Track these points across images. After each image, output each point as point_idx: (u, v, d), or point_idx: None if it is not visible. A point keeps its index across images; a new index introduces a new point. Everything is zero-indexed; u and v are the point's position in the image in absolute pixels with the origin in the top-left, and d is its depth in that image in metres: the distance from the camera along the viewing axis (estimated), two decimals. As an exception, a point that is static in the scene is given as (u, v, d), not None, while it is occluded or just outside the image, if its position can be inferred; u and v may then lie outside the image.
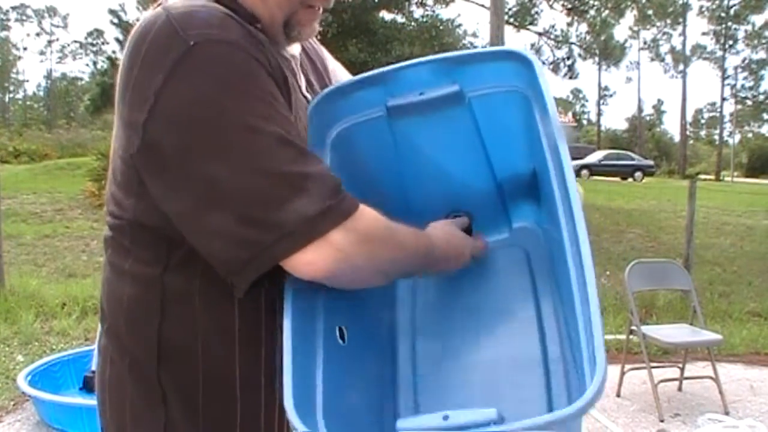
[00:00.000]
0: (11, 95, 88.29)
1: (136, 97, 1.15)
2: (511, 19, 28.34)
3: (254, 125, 1.10)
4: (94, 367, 5.17)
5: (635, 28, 67.87)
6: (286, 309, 1.19)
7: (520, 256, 1.48)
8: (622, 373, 6.00)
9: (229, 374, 1.26)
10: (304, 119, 1.33)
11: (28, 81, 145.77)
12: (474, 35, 38.35)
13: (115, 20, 25.94)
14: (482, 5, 25.15)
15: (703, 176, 46.08)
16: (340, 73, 1.61)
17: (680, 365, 6.20)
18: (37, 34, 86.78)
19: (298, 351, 1.16)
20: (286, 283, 1.20)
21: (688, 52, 66.64)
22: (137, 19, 1.24)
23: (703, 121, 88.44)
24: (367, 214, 1.16)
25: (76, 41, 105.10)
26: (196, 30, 1.12)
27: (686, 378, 6.19)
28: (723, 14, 61.66)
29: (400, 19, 22.60)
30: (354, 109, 1.32)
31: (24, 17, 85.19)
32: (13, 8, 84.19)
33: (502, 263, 1.50)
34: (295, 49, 1.42)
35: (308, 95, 1.40)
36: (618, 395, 5.98)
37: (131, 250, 1.27)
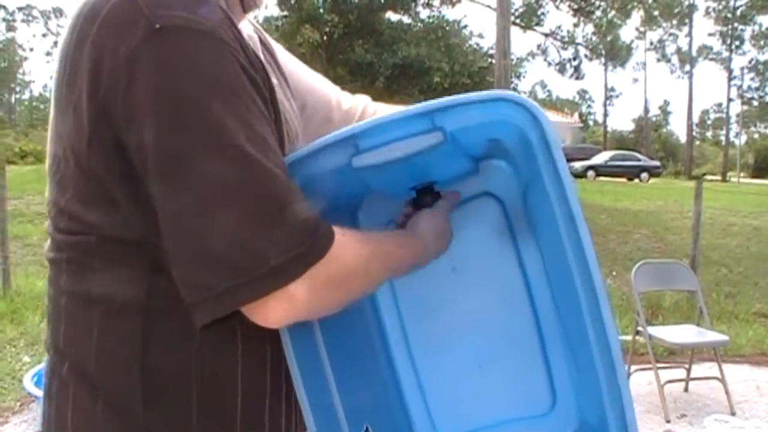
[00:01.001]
0: (17, 96, 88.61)
1: (85, 86, 0.97)
2: (518, 20, 28.32)
3: (220, 142, 0.93)
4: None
5: (641, 29, 67.87)
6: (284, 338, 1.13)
7: (494, 205, 1.40)
8: (628, 374, 5.97)
9: (228, 406, 1.10)
10: (283, 101, 1.20)
11: (34, 82, 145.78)
12: (480, 36, 38.30)
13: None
14: (489, 6, 25.14)
15: (709, 177, 45.99)
16: (289, 64, 1.45)
17: (686, 366, 6.20)
18: (44, 35, 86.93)
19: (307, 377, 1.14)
20: None
21: (694, 53, 66.53)
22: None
23: (709, 122, 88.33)
24: (339, 255, 1.01)
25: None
26: (165, 10, 0.94)
27: (692, 379, 6.17)
28: (729, 15, 61.60)
29: (406, 19, 22.63)
30: (316, 163, 1.15)
31: (30, 18, 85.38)
32: (20, 9, 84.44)
33: (477, 217, 1.40)
34: (248, 29, 1.27)
35: (274, 80, 1.20)
36: (624, 396, 5.96)
37: (100, 272, 1.06)
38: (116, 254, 1.05)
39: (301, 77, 1.47)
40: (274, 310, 0.97)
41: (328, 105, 1.48)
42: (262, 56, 1.20)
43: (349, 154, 1.13)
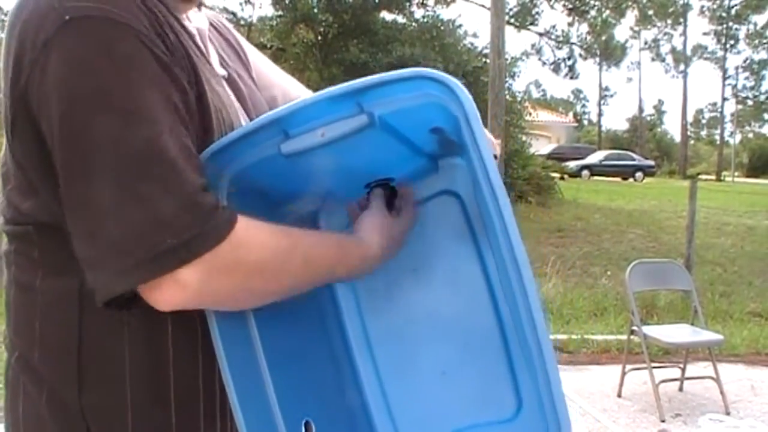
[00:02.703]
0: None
1: (9, 78, 1.02)
2: (512, 20, 28.36)
3: (121, 125, 0.95)
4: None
5: (636, 29, 67.86)
6: (213, 329, 1.09)
7: (455, 204, 1.36)
8: (623, 374, 6.00)
9: (163, 396, 1.10)
10: (221, 93, 1.18)
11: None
12: (474, 35, 38.36)
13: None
14: (483, 6, 25.17)
15: (703, 176, 46.06)
16: (260, 64, 1.47)
17: (681, 365, 6.21)
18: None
19: (238, 372, 1.09)
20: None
21: (688, 52, 66.59)
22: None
23: (703, 121, 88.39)
24: (242, 243, 0.99)
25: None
26: (75, 2, 0.97)
27: (687, 378, 6.19)
28: (724, 14, 61.64)
29: (401, 19, 22.60)
30: (247, 151, 1.13)
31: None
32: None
33: (437, 216, 1.36)
34: (201, 22, 1.25)
35: (222, 71, 1.25)
36: (619, 395, 5.98)
37: (40, 262, 1.10)
38: (52, 244, 1.08)
39: (272, 79, 1.49)
40: (164, 294, 0.97)
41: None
42: (202, 47, 1.21)
43: (277, 141, 1.11)
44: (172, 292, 0.96)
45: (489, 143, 1.08)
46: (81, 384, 1.08)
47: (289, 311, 1.19)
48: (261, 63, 1.49)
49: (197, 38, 1.20)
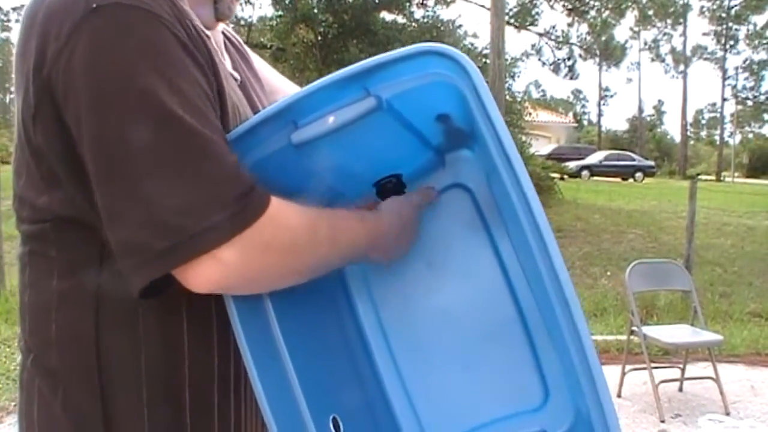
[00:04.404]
0: (12, 96, 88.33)
1: (32, 65, 1.01)
2: (512, 20, 28.36)
3: (152, 111, 0.95)
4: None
5: (636, 29, 67.79)
6: (234, 322, 1.09)
7: (464, 196, 1.36)
8: (623, 374, 6.00)
9: (179, 394, 1.11)
10: (236, 93, 1.20)
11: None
12: (474, 36, 38.38)
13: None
14: (483, 6, 25.18)
15: (703, 177, 45.90)
16: (264, 70, 1.49)
17: (681, 366, 6.21)
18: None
19: (263, 369, 1.08)
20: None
21: (688, 53, 66.51)
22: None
23: (703, 122, 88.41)
24: (276, 219, 1.01)
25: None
26: None
27: (687, 378, 6.19)
28: (724, 15, 61.58)
29: (400, 19, 22.60)
30: (257, 145, 1.12)
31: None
32: (14, 9, 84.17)
33: (448, 210, 1.36)
34: (216, 31, 1.28)
35: (235, 74, 1.27)
36: (618, 396, 5.98)
37: (57, 261, 1.09)
38: (69, 241, 1.08)
39: (276, 84, 1.50)
40: (204, 273, 0.97)
41: None
42: (220, 50, 1.24)
43: (286, 132, 1.11)
44: (211, 271, 0.97)
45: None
46: (98, 383, 1.08)
47: (305, 307, 1.20)
48: (264, 69, 1.50)
49: (213, 41, 1.20)
